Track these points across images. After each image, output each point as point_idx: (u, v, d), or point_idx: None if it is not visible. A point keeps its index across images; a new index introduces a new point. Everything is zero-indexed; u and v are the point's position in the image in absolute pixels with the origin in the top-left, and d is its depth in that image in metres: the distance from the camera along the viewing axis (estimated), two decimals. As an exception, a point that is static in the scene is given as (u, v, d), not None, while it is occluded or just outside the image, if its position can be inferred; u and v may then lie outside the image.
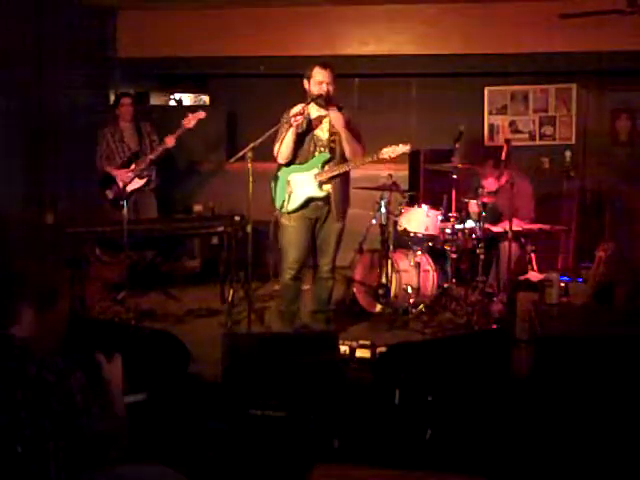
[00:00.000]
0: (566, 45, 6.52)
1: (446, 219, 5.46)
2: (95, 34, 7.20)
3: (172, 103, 8.36)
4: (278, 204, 4.67)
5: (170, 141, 5.91)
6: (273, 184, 4.75)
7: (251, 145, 4.65)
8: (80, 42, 6.92)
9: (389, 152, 4.54)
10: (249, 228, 4.75)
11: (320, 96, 4.49)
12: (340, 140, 4.58)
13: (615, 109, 7.17)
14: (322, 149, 4.60)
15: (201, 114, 5.86)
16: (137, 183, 6.06)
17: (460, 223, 5.42)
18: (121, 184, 5.98)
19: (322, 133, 4.62)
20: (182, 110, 8.04)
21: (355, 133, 4.63)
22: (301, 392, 3.40)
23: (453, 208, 5.41)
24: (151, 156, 6.03)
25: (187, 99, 8.79)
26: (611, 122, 7.18)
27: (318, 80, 4.50)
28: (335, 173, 4.59)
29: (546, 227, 5.42)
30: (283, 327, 4.78)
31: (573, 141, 7.21)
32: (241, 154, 4.68)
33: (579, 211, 6.85)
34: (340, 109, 4.60)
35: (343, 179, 4.69)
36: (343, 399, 3.44)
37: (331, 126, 4.59)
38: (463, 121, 5.64)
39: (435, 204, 5.59)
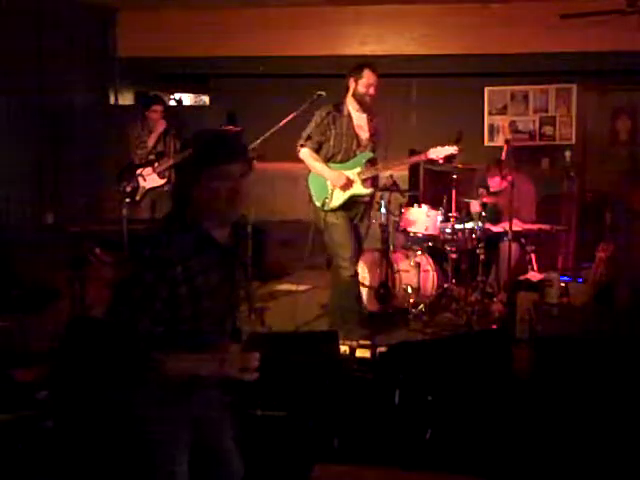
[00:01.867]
0: (566, 45, 6.52)
1: (446, 219, 5.46)
2: (95, 34, 7.20)
3: (172, 103, 8.35)
4: (319, 202, 4.67)
5: None
6: (309, 182, 4.76)
7: (251, 145, 4.67)
8: (80, 42, 6.92)
9: (436, 152, 4.61)
10: (249, 228, 4.76)
11: (365, 98, 4.61)
12: (378, 140, 4.74)
13: (615, 109, 7.16)
14: (363, 149, 4.69)
15: (237, 128, 5.99)
16: (156, 182, 6.12)
17: (460, 223, 5.42)
18: (140, 181, 6.04)
19: (363, 133, 4.70)
20: (182, 110, 8.06)
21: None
22: (301, 392, 3.40)
23: (453, 208, 5.41)
24: (175, 158, 6.10)
25: (187, 99, 8.79)
26: (611, 122, 7.18)
27: (368, 82, 4.60)
28: (378, 172, 4.72)
29: (546, 227, 5.42)
30: (346, 329, 4.55)
31: (573, 141, 7.21)
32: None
33: (579, 211, 6.85)
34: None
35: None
36: (343, 399, 3.44)
37: (370, 127, 4.70)
38: (463, 121, 5.65)
39: (435, 204, 5.59)
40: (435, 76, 7.19)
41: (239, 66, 7.35)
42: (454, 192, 5.39)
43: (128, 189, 6.07)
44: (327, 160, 4.66)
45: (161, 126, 6.17)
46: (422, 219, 5.46)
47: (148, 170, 6.08)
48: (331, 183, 4.61)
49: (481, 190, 5.56)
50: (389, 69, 7.12)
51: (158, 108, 6.22)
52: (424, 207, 5.51)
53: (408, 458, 3.17)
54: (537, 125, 7.28)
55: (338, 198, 4.63)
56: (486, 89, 7.32)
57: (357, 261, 4.81)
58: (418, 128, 7.34)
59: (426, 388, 3.36)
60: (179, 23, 7.18)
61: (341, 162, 4.66)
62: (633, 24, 5.81)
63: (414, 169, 6.97)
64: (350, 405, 3.43)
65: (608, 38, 6.30)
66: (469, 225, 5.41)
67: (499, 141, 7.13)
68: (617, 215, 6.36)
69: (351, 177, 4.63)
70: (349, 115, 4.66)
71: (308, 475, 2.50)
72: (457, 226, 5.39)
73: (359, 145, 4.67)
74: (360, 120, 4.70)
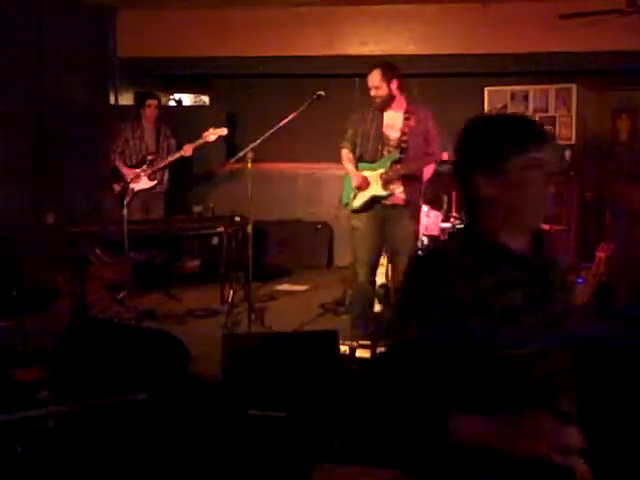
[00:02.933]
0: (566, 45, 6.52)
1: (446, 219, 5.46)
2: (95, 34, 7.21)
3: (172, 103, 8.36)
4: (345, 201, 4.62)
5: (188, 150, 5.98)
6: (344, 182, 4.69)
7: (251, 145, 4.66)
8: (80, 42, 6.92)
9: None
10: (249, 228, 4.76)
11: (373, 99, 4.48)
12: (411, 140, 4.50)
13: (615, 109, 7.17)
14: (391, 149, 4.50)
15: (223, 130, 5.95)
16: (147, 184, 6.08)
17: (461, 223, 5.43)
18: (129, 183, 6.01)
19: (392, 133, 4.51)
20: (182, 110, 8.07)
21: (427, 137, 4.53)
22: (301, 392, 3.40)
23: (453, 208, 5.41)
24: (165, 161, 6.08)
25: (187, 99, 8.79)
26: (611, 122, 7.18)
27: (369, 85, 4.49)
28: (400, 174, 4.48)
29: (546, 227, 5.42)
30: (356, 335, 4.50)
31: (573, 141, 7.21)
32: (241, 154, 4.69)
33: (579, 211, 6.85)
34: (408, 113, 4.51)
35: (414, 181, 4.58)
36: (343, 399, 3.44)
37: (403, 126, 4.49)
38: (463, 121, 5.63)
39: (435, 204, 5.59)
40: (435, 76, 7.19)
41: (239, 66, 7.35)
42: (454, 192, 5.40)
43: (117, 190, 6.04)
44: (358, 160, 4.57)
45: (154, 123, 6.16)
46: (422, 219, 5.45)
47: (138, 171, 6.04)
48: (353, 183, 4.55)
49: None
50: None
51: (152, 102, 6.19)
52: (424, 207, 5.50)
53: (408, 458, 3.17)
54: (537, 125, 7.28)
55: (360, 199, 4.52)
56: (486, 89, 7.32)
57: (375, 268, 4.69)
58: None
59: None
60: (179, 23, 7.18)
61: (368, 162, 4.54)
62: (633, 24, 5.82)
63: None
64: (350, 405, 3.43)
65: (608, 38, 6.30)
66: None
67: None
68: (617, 215, 6.37)
69: (370, 178, 4.50)
70: (380, 115, 4.52)
71: (308, 475, 2.50)
72: (457, 226, 5.39)
73: (384, 145, 4.50)
74: (392, 119, 4.51)
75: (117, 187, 6.05)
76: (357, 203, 4.54)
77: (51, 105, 6.55)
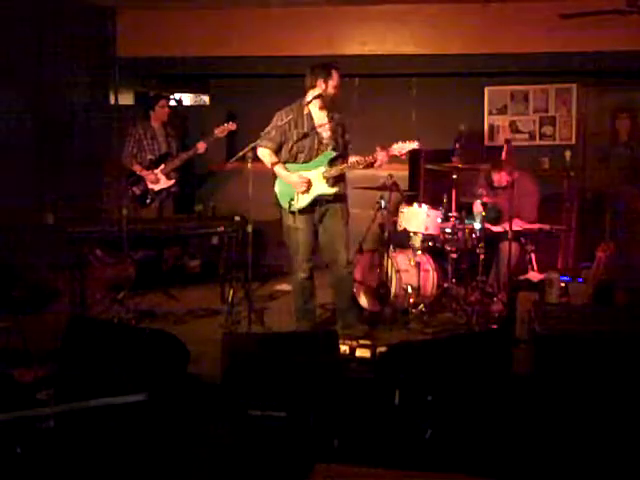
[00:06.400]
0: (566, 45, 6.52)
1: (446, 219, 5.46)
2: (95, 34, 7.21)
3: (172, 103, 8.36)
4: (284, 203, 4.67)
5: (202, 147, 6.02)
6: (276, 183, 4.77)
7: (251, 145, 4.66)
8: (80, 42, 6.92)
9: (398, 149, 4.64)
10: (249, 228, 4.76)
11: (334, 98, 4.67)
12: (343, 139, 4.74)
13: (615, 109, 7.17)
14: (325, 147, 4.68)
15: (233, 126, 6.02)
16: (166, 183, 6.14)
17: (460, 223, 5.42)
18: (149, 184, 6.05)
19: (325, 131, 4.68)
20: (182, 110, 8.07)
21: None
22: (301, 392, 3.40)
23: (453, 208, 5.41)
24: (181, 158, 6.11)
25: (187, 99, 8.79)
26: (611, 122, 7.18)
27: (336, 83, 4.64)
28: (344, 171, 4.68)
29: (546, 227, 5.42)
30: (301, 326, 4.81)
31: (573, 141, 7.20)
32: (241, 154, 4.69)
33: (579, 211, 6.85)
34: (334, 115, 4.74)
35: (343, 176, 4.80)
36: (343, 399, 3.44)
37: (334, 125, 4.69)
38: (463, 121, 5.64)
39: (435, 204, 5.59)
40: (435, 76, 7.19)
41: (239, 66, 7.35)
42: (454, 192, 5.39)
43: (138, 193, 6.08)
44: (288, 161, 4.68)
45: (162, 123, 6.18)
46: (422, 219, 5.46)
47: (157, 172, 6.08)
48: (294, 186, 4.63)
49: (481, 190, 5.56)
50: (389, 69, 7.15)
51: (165, 103, 6.28)
52: (424, 207, 5.50)
53: (408, 458, 3.17)
54: (537, 125, 7.28)
55: (304, 199, 4.64)
56: (486, 89, 7.32)
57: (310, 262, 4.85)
58: (418, 128, 7.34)
59: (426, 388, 3.36)
60: (179, 23, 7.18)
61: (304, 162, 4.67)
62: (633, 24, 5.82)
63: (414, 169, 6.96)
64: (350, 405, 3.43)
65: (608, 38, 6.30)
66: (473, 224, 5.40)
67: (499, 141, 7.13)
68: (617, 215, 6.37)
69: (313, 178, 4.64)
70: (309, 115, 4.67)
71: (308, 475, 2.50)
72: (457, 226, 5.38)
73: (320, 144, 4.67)
74: (321, 119, 4.70)
75: (137, 190, 6.06)
76: (302, 203, 4.63)
77: (51, 105, 6.55)
